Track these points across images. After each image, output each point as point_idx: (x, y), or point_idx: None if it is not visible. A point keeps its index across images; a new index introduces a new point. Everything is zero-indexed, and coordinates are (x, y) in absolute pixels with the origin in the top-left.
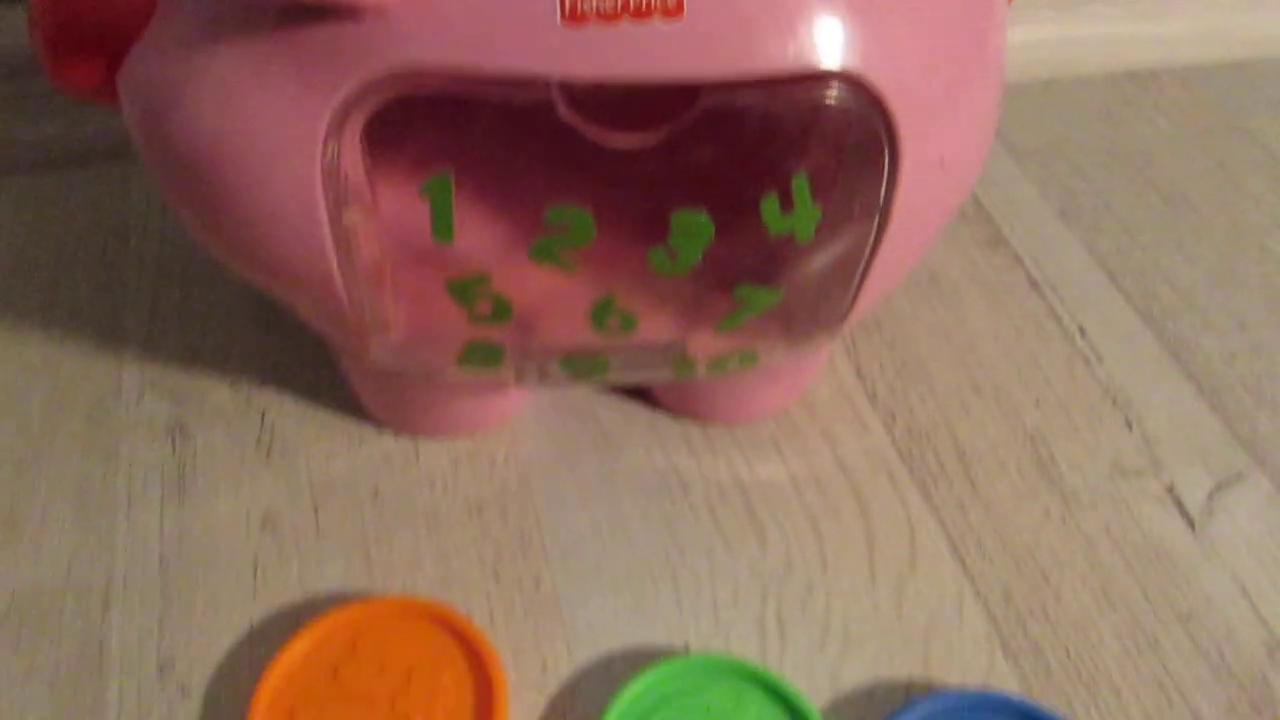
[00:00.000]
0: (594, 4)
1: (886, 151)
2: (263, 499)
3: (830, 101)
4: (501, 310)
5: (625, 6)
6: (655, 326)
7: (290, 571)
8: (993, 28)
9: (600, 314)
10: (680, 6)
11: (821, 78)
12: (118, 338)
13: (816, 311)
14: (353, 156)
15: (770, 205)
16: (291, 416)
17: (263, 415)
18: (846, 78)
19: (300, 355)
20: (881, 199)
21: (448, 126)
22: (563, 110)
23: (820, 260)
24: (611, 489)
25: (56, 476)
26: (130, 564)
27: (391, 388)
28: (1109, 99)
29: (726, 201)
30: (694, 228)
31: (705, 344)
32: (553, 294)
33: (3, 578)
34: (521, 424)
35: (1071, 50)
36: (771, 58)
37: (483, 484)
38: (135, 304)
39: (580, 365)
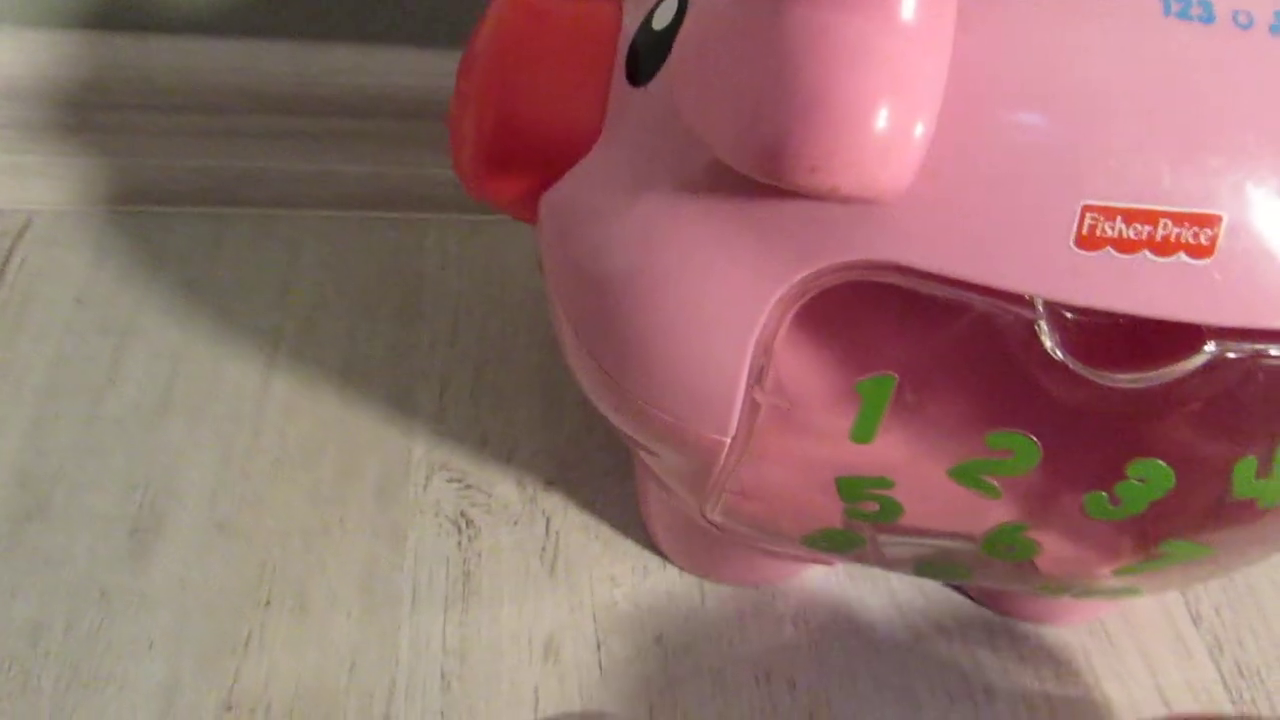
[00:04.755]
0: (1114, 231)
1: None
2: (545, 620)
3: None
4: (889, 514)
5: (1149, 239)
6: (1053, 562)
7: (571, 707)
8: None
9: (999, 538)
10: (1212, 247)
11: None
12: (410, 408)
13: (1229, 566)
14: (781, 342)
15: (1245, 470)
16: (576, 528)
17: (548, 521)
18: None
19: (587, 461)
20: None
21: (899, 319)
22: (1048, 338)
23: (1268, 522)
24: (906, 678)
25: (345, 555)
26: (412, 674)
27: (688, 528)
28: None
29: (1192, 454)
30: (1152, 479)
31: (1082, 579)
32: (955, 510)
33: (290, 664)
34: (813, 581)
35: None
36: None
37: (770, 647)
38: (427, 375)
39: (933, 569)
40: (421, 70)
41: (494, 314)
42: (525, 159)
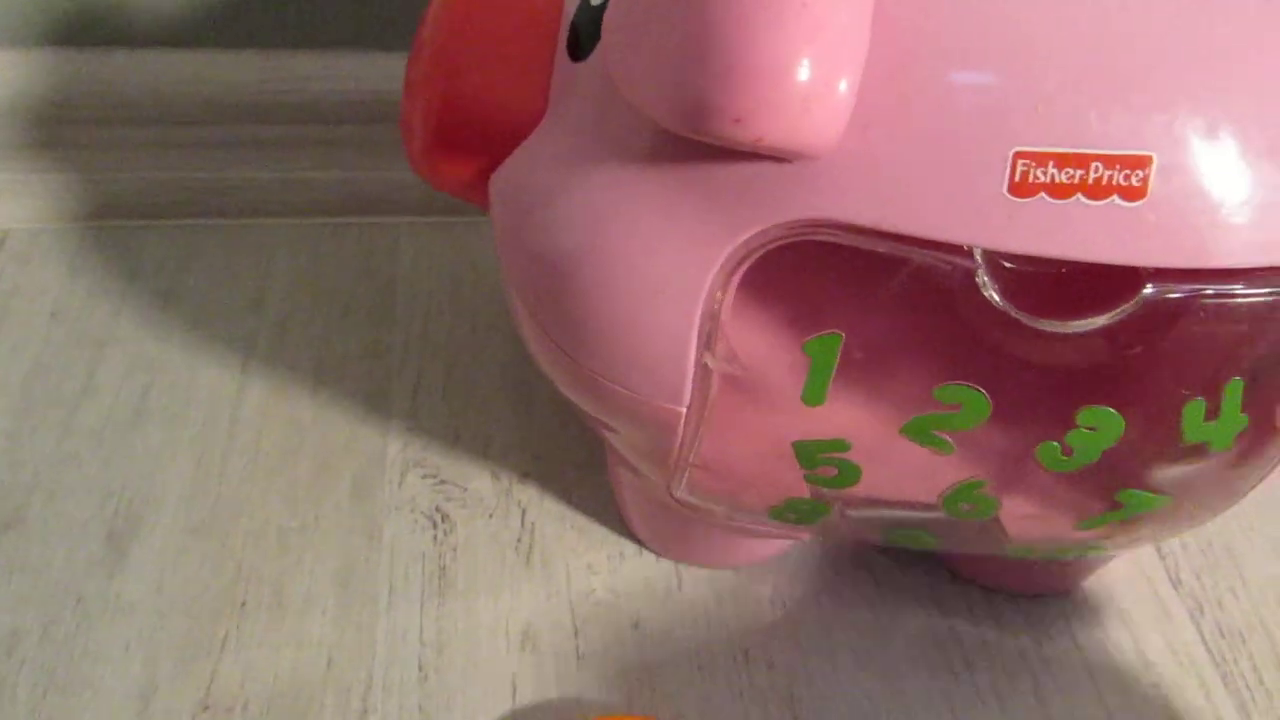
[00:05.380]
0: (1047, 176)
1: None
2: (522, 610)
3: None
4: (848, 478)
5: (1081, 183)
6: (1016, 520)
7: (548, 696)
8: None
9: (958, 496)
10: (1144, 189)
11: None
12: (383, 408)
13: (1194, 517)
14: (728, 308)
15: (1194, 412)
16: (551, 518)
17: (523, 513)
18: None
19: (562, 451)
20: None
21: (841, 277)
22: (987, 285)
23: (1223, 466)
24: (886, 652)
25: (321, 553)
26: (389, 667)
27: (661, 512)
28: None
29: (1140, 399)
30: (1103, 427)
31: (1050, 539)
32: (912, 469)
33: (267, 662)
34: (789, 561)
35: None
36: (1235, 250)
37: (748, 628)
38: (401, 374)
39: (901, 535)
40: (386, 75)
41: (465, 312)
42: (472, 140)
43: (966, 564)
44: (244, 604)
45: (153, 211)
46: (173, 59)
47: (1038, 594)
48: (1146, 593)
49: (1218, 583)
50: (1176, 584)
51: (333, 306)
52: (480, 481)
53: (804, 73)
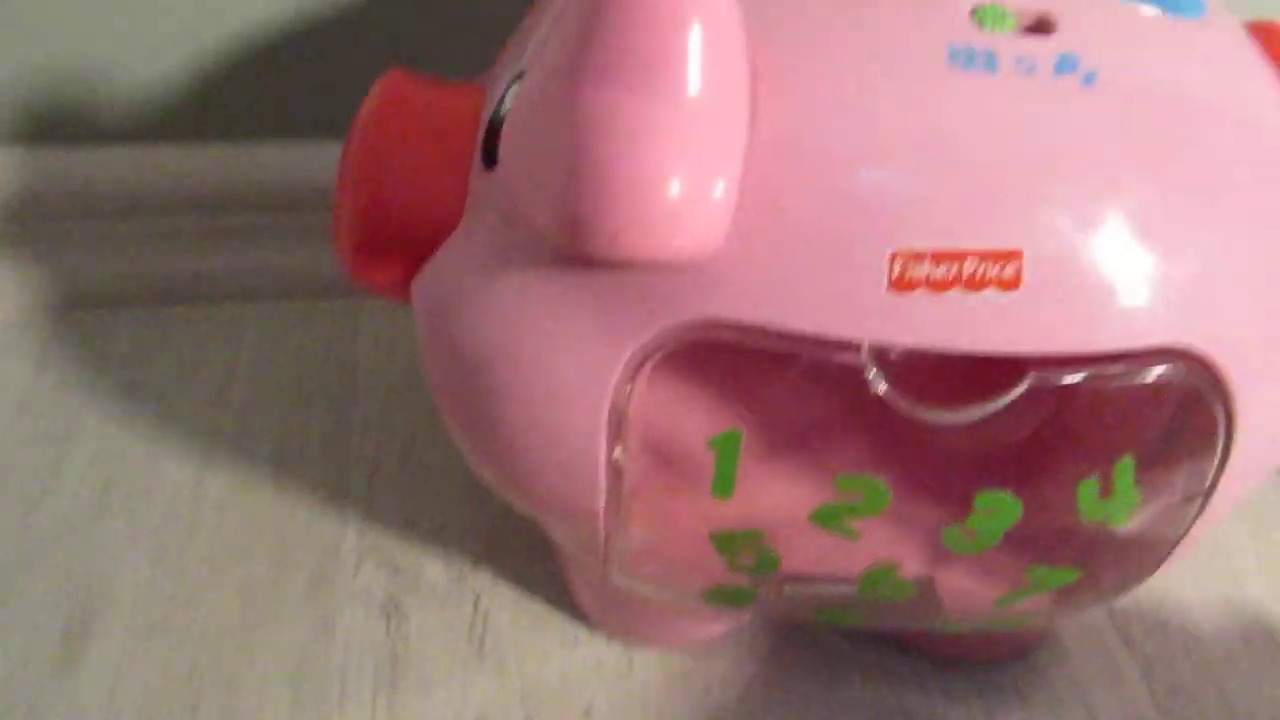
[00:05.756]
0: (925, 272)
1: (1222, 431)
2: (474, 701)
3: (1166, 380)
4: (767, 566)
5: (957, 277)
6: (939, 596)
7: None
8: None
9: (874, 579)
10: (1018, 280)
11: (1159, 355)
12: (341, 495)
13: (1110, 589)
14: (640, 397)
15: (1088, 491)
16: (505, 605)
17: (476, 600)
18: (1187, 356)
19: (515, 537)
20: (1210, 479)
21: (742, 374)
22: (875, 378)
23: (1128, 541)
24: None
25: (276, 649)
26: None
27: (609, 593)
28: None
29: (1035, 480)
30: (1000, 510)
31: (976, 613)
32: (828, 556)
33: None
34: (740, 639)
35: None
36: (1111, 334)
37: (700, 707)
38: (359, 461)
39: (832, 614)
40: None
41: (424, 393)
42: (394, 245)
43: (914, 636)
44: (196, 707)
45: (121, 301)
46: (140, 153)
47: (988, 661)
48: (1098, 653)
49: (1169, 640)
50: (1128, 643)
51: (295, 393)
52: (434, 568)
53: (673, 190)
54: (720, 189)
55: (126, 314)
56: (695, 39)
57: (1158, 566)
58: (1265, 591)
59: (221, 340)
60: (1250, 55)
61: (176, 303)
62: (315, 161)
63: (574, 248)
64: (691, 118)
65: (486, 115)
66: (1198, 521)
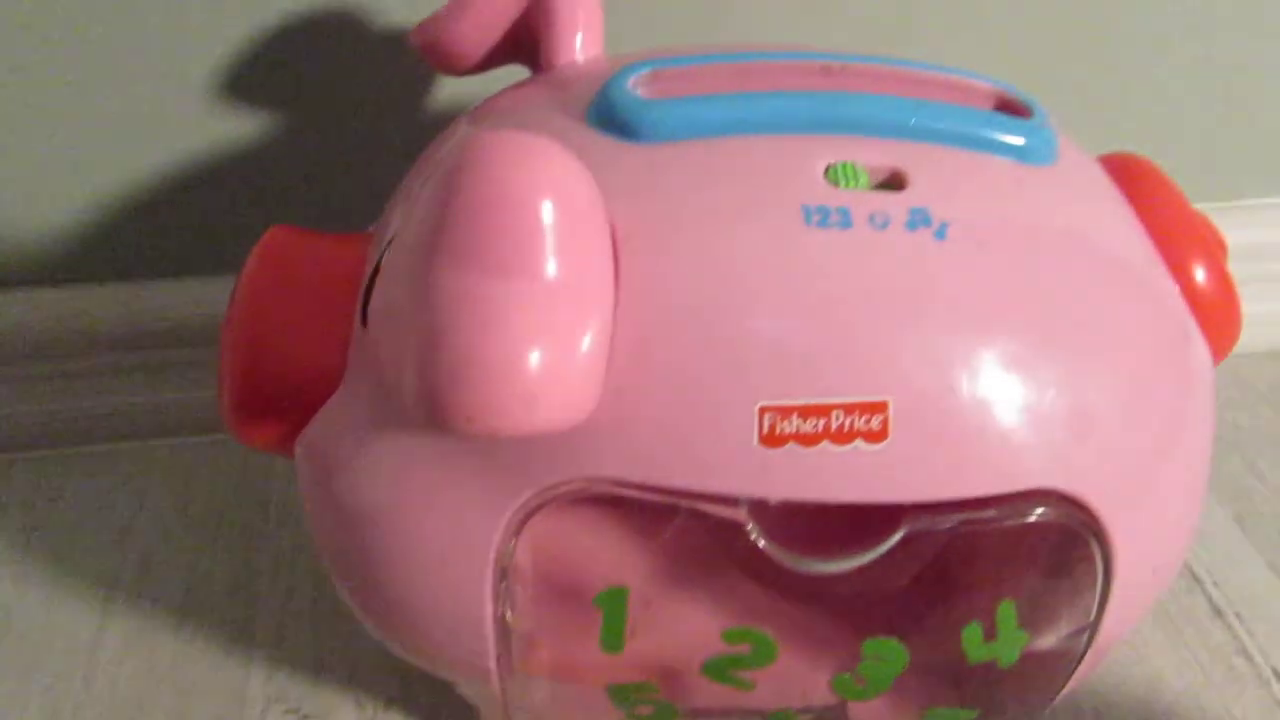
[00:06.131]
0: (793, 426)
1: (1101, 569)
2: None
3: (1041, 521)
4: (665, 714)
5: (826, 430)
6: None
7: None
8: (1202, 418)
9: (780, 715)
10: (885, 431)
11: (1032, 497)
12: (248, 639)
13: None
14: (526, 553)
15: (972, 634)
16: None
17: None
18: (1060, 496)
19: (429, 678)
20: (1093, 615)
21: (627, 527)
22: (753, 531)
23: (1022, 676)
24: None
25: None
26: None
27: None
28: (1276, 379)
29: (921, 626)
30: (887, 657)
31: None
32: (723, 705)
33: None
34: None
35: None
36: (982, 479)
37: None
38: (268, 601)
39: None
40: None
41: None
42: (275, 405)
43: None
44: None
45: (22, 445)
46: (41, 297)
47: None
48: None
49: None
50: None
51: (204, 531)
52: (344, 712)
53: (528, 371)
54: (580, 364)
55: (27, 458)
56: (548, 216)
57: (1057, 695)
58: (1179, 693)
59: (127, 480)
60: (1105, 193)
61: (80, 443)
62: (213, 298)
63: (434, 425)
64: (547, 295)
65: (369, 269)
66: (1088, 653)
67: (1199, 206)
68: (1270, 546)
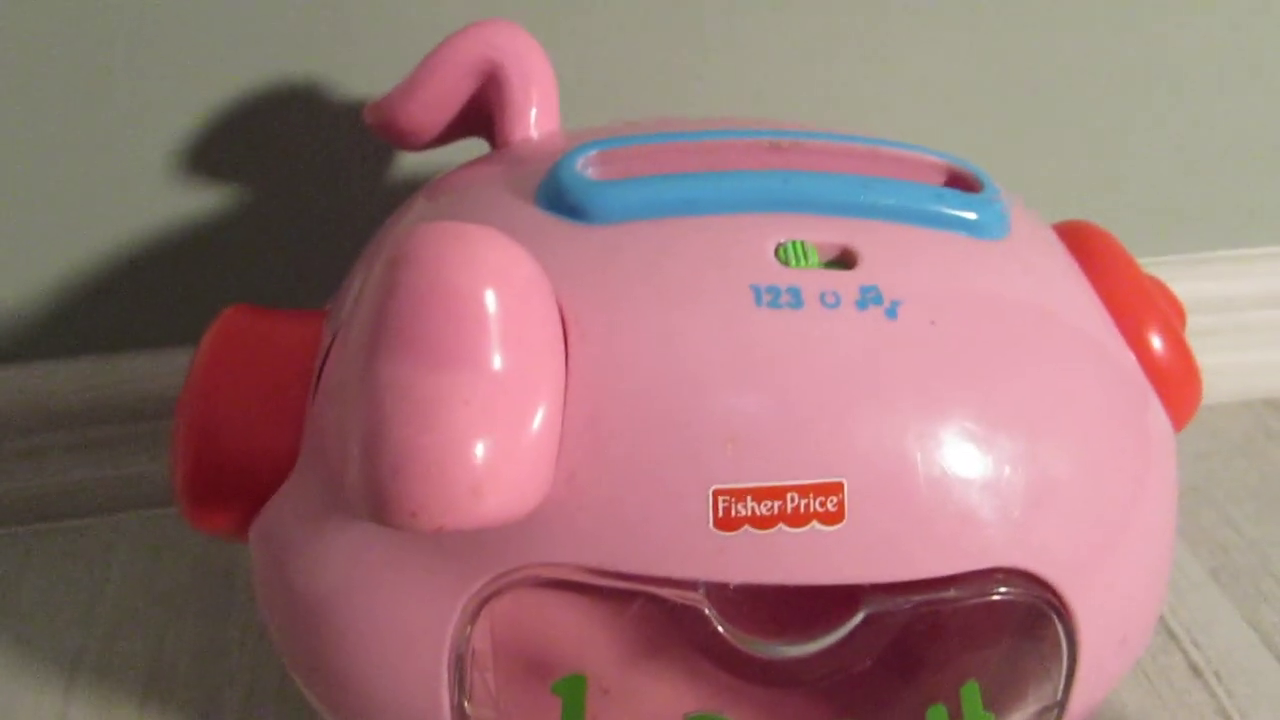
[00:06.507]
0: (748, 509)
1: (1065, 645)
2: None
3: (1002, 598)
4: None
5: (781, 513)
6: None
7: None
8: (1163, 486)
9: None
10: (841, 512)
11: (992, 575)
12: (215, 716)
13: None
14: (483, 641)
15: (937, 716)
16: None
17: None
18: (1020, 574)
19: None
20: (1060, 694)
21: (586, 611)
22: (711, 615)
23: None
24: None
25: None
26: None
27: None
28: (1249, 429)
29: (885, 709)
30: None
31: None
32: None
33: None
34: None
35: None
36: (940, 559)
37: None
38: (234, 679)
39: None
40: None
41: None
42: (229, 492)
43: None
44: None
45: None
46: (3, 374)
47: None
48: None
49: None
50: None
51: (169, 607)
52: None
53: (470, 466)
54: (528, 452)
55: None
56: (490, 306)
57: None
58: None
59: (93, 555)
60: (1059, 266)
61: (45, 519)
62: (177, 369)
63: (379, 521)
64: (492, 385)
65: (323, 349)
66: None
67: (1168, 258)
68: (1247, 602)
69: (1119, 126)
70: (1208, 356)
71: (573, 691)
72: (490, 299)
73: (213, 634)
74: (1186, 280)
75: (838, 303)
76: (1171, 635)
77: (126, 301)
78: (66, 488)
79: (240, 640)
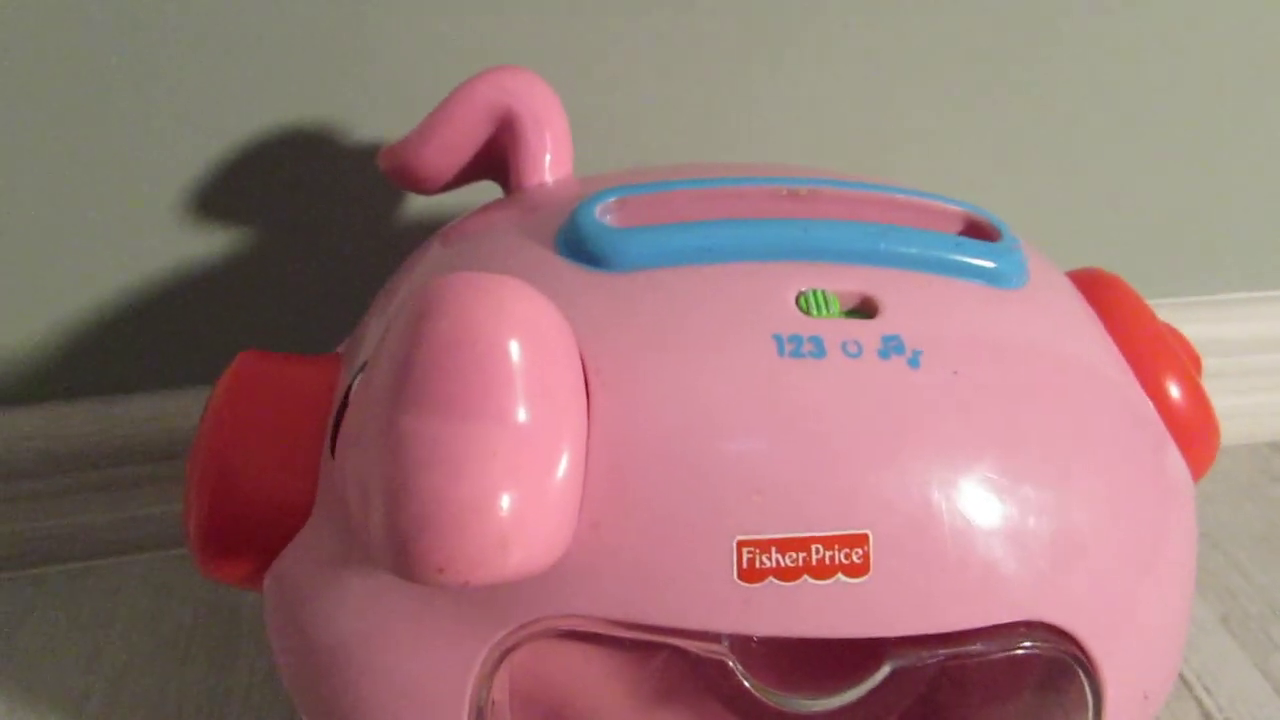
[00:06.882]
0: (772, 561)
1: (1090, 700)
2: None
3: (1026, 652)
4: None
5: (806, 564)
6: None
7: None
8: (1184, 536)
9: None
10: (866, 565)
11: (1017, 628)
12: None
13: None
14: (503, 692)
15: None
16: None
17: None
18: (1045, 627)
19: None
20: None
21: (608, 663)
22: (735, 668)
23: None
24: None
25: None
26: None
27: None
28: (1254, 473)
29: None
30: None
31: None
32: None
33: None
34: None
35: None
36: (966, 612)
37: None
38: None
39: None
40: None
41: None
42: (244, 541)
43: None
44: None
45: None
46: (8, 417)
47: None
48: None
49: None
50: None
51: (175, 650)
52: None
53: (495, 520)
54: (553, 504)
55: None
56: (515, 357)
57: None
58: None
59: (99, 598)
60: (1077, 314)
61: (51, 562)
62: (181, 410)
63: (402, 577)
64: (517, 437)
65: (339, 394)
66: None
67: (1175, 301)
68: (1258, 648)
69: (1127, 170)
70: (1213, 400)
71: None
72: (516, 350)
73: (219, 677)
74: (1191, 323)
75: (860, 352)
76: (1184, 683)
77: (134, 343)
78: (73, 529)
79: (247, 684)
